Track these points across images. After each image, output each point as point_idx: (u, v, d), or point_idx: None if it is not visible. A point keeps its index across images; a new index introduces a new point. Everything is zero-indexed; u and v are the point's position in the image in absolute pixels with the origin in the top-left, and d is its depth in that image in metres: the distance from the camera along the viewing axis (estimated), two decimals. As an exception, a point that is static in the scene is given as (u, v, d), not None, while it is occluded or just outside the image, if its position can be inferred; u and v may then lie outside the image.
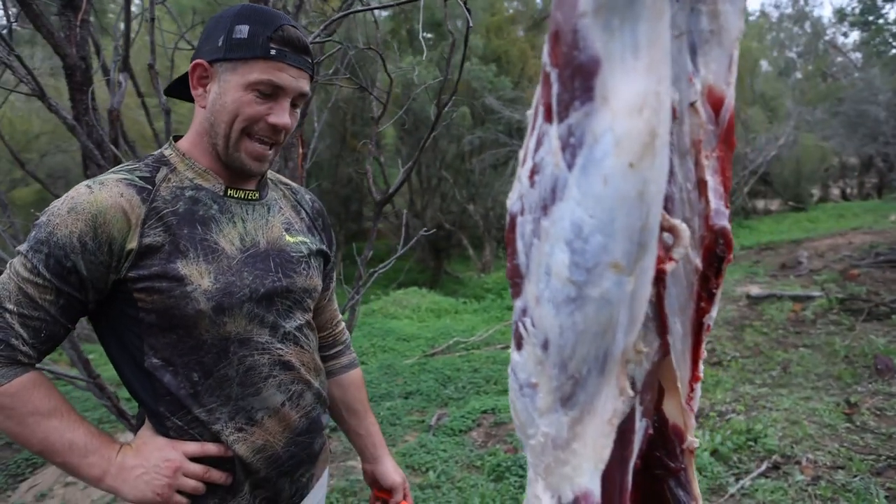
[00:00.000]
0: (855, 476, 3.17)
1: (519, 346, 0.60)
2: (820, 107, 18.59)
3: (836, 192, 22.09)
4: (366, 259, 3.10)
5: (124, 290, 1.07)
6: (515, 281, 0.58)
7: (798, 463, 3.36)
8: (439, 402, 5.11)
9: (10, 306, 1.01)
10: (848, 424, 3.80)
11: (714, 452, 3.51)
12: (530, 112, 0.57)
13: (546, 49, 0.52)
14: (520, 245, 0.56)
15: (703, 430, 3.81)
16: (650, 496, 0.74)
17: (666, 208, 0.61)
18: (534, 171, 0.54)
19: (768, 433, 3.65)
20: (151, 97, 3.34)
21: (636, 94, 0.47)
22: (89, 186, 1.05)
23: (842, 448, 3.48)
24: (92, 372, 2.20)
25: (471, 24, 1.95)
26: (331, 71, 3.40)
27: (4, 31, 2.33)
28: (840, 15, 22.21)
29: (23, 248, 1.04)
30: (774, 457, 3.43)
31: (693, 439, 0.70)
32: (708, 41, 0.61)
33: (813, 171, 18.38)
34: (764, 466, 3.34)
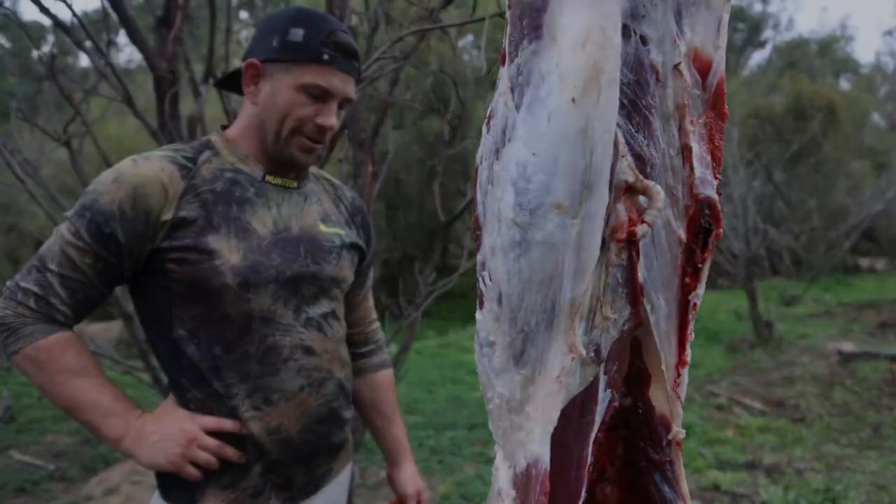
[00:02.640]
0: (948, 552, 2.87)
1: (481, 304, 0.59)
2: (937, 161, 17.34)
3: (953, 253, 20.38)
4: (427, 279, 3.12)
5: (158, 260, 1.12)
6: (476, 234, 0.58)
7: (882, 531, 3.07)
8: (501, 436, 5.00)
9: (53, 266, 1.09)
10: (945, 496, 3.45)
11: (786, 511, 3.27)
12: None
13: (507, -5, 0.52)
14: (479, 195, 0.56)
15: (777, 486, 3.55)
16: (634, 490, 0.70)
17: (646, 173, 0.59)
18: (490, 117, 0.53)
19: (850, 495, 3.35)
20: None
21: (580, 29, 0.46)
22: (134, 160, 1.13)
23: (935, 521, 3.16)
24: (150, 363, 2.31)
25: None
26: (408, 95, 3.48)
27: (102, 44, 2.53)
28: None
29: (69, 213, 1.11)
30: (855, 522, 3.16)
31: (680, 430, 0.66)
32: (695, 3, 0.59)
33: (927, 230, 17.09)
34: (842, 531, 3.07)
